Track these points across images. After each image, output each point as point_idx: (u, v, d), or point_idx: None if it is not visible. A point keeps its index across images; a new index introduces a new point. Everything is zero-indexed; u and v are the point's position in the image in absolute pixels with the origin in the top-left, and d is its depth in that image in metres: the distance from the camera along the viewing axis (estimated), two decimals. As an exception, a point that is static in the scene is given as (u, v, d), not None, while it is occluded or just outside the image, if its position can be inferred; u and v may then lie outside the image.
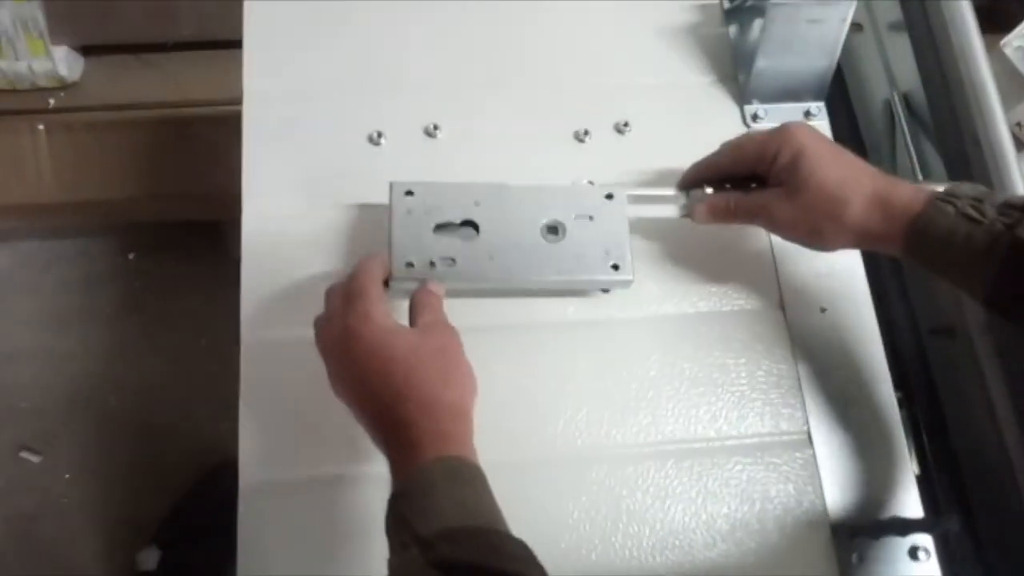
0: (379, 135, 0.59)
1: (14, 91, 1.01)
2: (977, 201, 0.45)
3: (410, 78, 0.61)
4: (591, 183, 0.56)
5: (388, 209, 0.51)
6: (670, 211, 0.55)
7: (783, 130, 0.51)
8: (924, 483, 0.56)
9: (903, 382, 0.60)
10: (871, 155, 0.68)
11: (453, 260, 0.50)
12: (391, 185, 0.52)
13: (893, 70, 0.69)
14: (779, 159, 0.50)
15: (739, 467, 0.53)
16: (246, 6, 0.62)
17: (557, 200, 0.53)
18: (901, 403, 0.57)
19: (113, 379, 1.19)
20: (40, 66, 0.98)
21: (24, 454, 1.14)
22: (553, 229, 0.52)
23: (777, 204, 0.50)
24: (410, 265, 0.50)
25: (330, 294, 0.48)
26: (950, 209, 0.45)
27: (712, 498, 0.53)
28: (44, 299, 1.22)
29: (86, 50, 1.04)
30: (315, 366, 0.51)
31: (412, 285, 0.50)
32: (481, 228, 0.52)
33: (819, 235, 0.50)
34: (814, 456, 0.54)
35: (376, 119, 0.59)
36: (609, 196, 0.53)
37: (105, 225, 1.21)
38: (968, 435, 0.59)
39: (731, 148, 0.54)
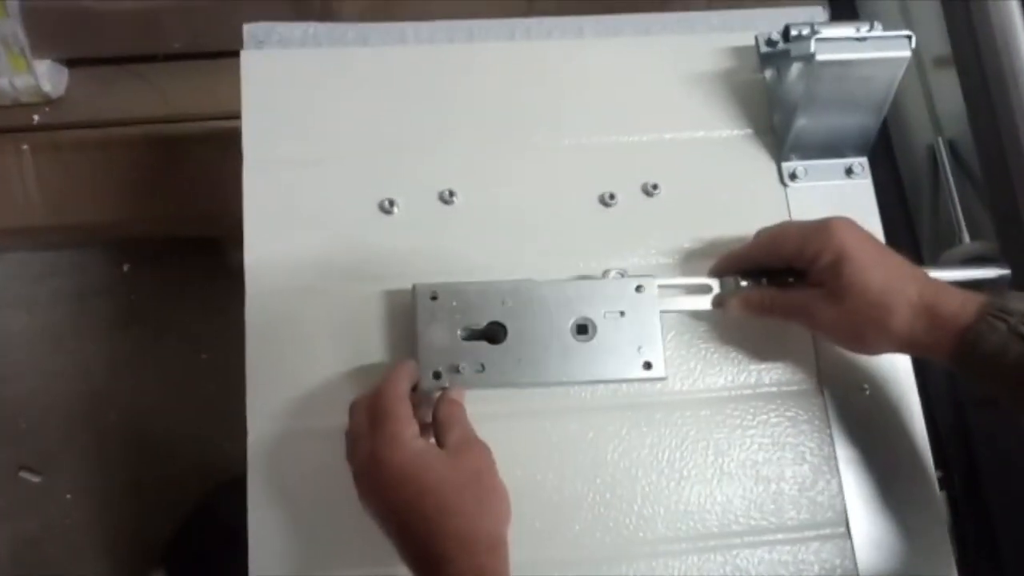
0: (391, 203, 0.54)
1: (-4, 107, 0.96)
2: None
3: (423, 140, 0.56)
4: (620, 274, 0.52)
5: (412, 313, 0.49)
6: (702, 303, 0.52)
7: (825, 229, 0.47)
8: (963, 567, 0.54)
9: (942, 457, 0.57)
10: (912, 207, 0.64)
11: (482, 365, 0.48)
12: (414, 288, 0.49)
13: (938, 112, 0.64)
14: (820, 260, 0.47)
15: (775, 563, 0.51)
16: (243, 56, 0.57)
17: (586, 296, 0.50)
18: (941, 483, 0.55)
19: (111, 395, 1.16)
20: (22, 82, 0.93)
21: (24, 474, 1.12)
22: (583, 328, 0.50)
23: (817, 306, 0.48)
24: (437, 374, 0.48)
25: (355, 410, 0.46)
26: (1002, 326, 0.43)
27: (746, 596, 0.50)
28: (37, 313, 1.18)
29: (71, 62, 0.99)
30: (326, 460, 0.49)
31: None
32: (509, 329, 0.49)
33: (861, 341, 0.48)
34: (852, 549, 0.52)
35: (387, 186, 0.55)
36: (639, 288, 0.51)
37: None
38: (1010, 511, 0.57)
39: (768, 239, 0.50)
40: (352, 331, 0.52)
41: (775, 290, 0.51)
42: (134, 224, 1.00)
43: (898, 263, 0.47)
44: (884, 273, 0.46)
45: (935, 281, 0.47)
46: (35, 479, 1.12)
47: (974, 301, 0.44)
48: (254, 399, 0.51)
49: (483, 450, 0.45)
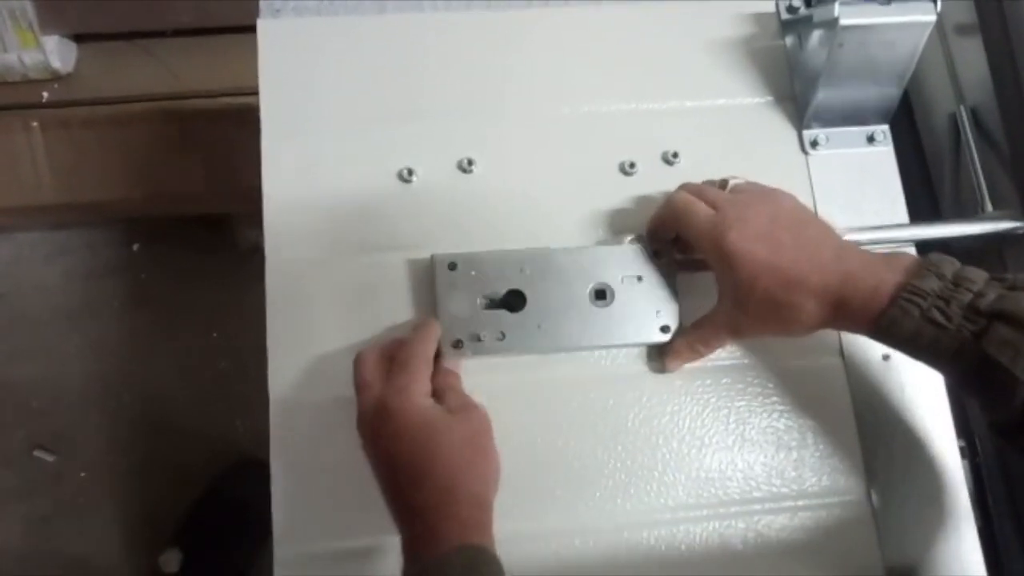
0: (410, 172, 0.54)
1: (4, 84, 0.95)
2: (943, 301, 0.42)
3: (440, 109, 0.56)
4: (638, 238, 0.52)
5: (432, 283, 0.50)
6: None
7: (714, 234, 0.46)
8: (985, 536, 0.53)
9: (964, 425, 0.57)
10: (933, 175, 0.64)
11: (502, 333, 0.49)
12: (432, 258, 0.50)
13: (961, 80, 0.63)
14: (716, 270, 0.47)
15: (795, 530, 0.51)
16: (259, 26, 0.56)
17: (603, 262, 0.51)
18: (963, 452, 0.55)
19: (124, 375, 1.16)
20: (31, 58, 0.92)
21: (38, 453, 1.12)
22: (601, 293, 0.50)
23: (736, 321, 0.48)
24: (458, 342, 0.48)
25: (365, 359, 0.47)
26: (915, 311, 0.42)
27: (766, 560, 0.50)
28: (48, 293, 1.18)
29: (79, 37, 0.98)
30: (347, 428, 0.49)
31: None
32: (528, 297, 0.49)
33: (787, 333, 0.47)
34: (873, 515, 0.52)
35: (406, 155, 0.54)
36: (655, 254, 0.51)
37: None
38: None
39: (677, 208, 0.49)
40: (371, 300, 0.52)
41: (694, 331, 0.50)
42: (144, 202, 1.00)
43: (792, 258, 0.44)
44: (778, 275, 0.44)
45: (844, 263, 0.44)
46: (49, 458, 1.13)
47: (888, 282, 0.43)
48: (275, 369, 0.51)
49: (482, 415, 0.46)
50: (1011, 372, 0.39)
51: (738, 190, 0.49)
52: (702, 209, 0.47)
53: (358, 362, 0.47)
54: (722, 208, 0.47)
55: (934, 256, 0.44)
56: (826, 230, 0.47)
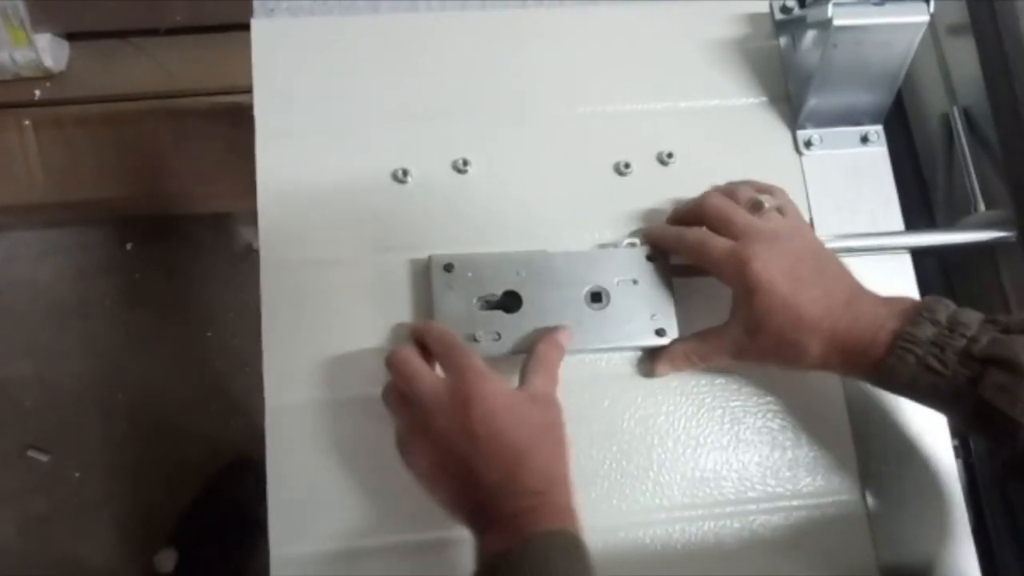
0: (404, 173, 0.54)
1: (-3, 82, 0.95)
2: (938, 349, 0.42)
3: (435, 109, 0.56)
4: (633, 244, 0.52)
5: (428, 284, 0.50)
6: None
7: (737, 261, 0.46)
8: (979, 535, 0.54)
9: (958, 425, 0.57)
10: (927, 175, 0.64)
11: (498, 334, 0.49)
12: (430, 259, 0.50)
13: (953, 80, 0.64)
14: (734, 293, 0.47)
15: (790, 529, 0.51)
16: (253, 26, 0.56)
17: (599, 265, 0.51)
18: (957, 452, 0.55)
19: (117, 374, 1.16)
20: (23, 56, 0.92)
21: (32, 453, 1.12)
22: (597, 296, 0.50)
23: (741, 345, 0.48)
24: None
25: (405, 352, 0.46)
26: (911, 359, 0.43)
27: (761, 560, 0.51)
28: (41, 292, 1.18)
29: (71, 35, 0.97)
30: (344, 429, 0.49)
31: None
32: (524, 299, 0.49)
33: (789, 368, 0.48)
34: (867, 515, 0.52)
35: (400, 155, 0.54)
36: (651, 257, 0.51)
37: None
38: None
39: (691, 247, 0.49)
40: (367, 300, 0.52)
41: (695, 342, 0.50)
42: (138, 200, 0.99)
43: (810, 297, 0.45)
44: (794, 314, 0.45)
45: (853, 308, 0.45)
46: (43, 458, 1.12)
47: (886, 330, 0.44)
48: (270, 369, 0.51)
49: (560, 408, 0.46)
50: (1009, 416, 0.40)
51: (767, 218, 0.49)
52: (719, 243, 0.48)
53: (399, 356, 0.45)
54: (745, 236, 0.47)
55: (930, 299, 0.45)
56: (843, 271, 0.48)
